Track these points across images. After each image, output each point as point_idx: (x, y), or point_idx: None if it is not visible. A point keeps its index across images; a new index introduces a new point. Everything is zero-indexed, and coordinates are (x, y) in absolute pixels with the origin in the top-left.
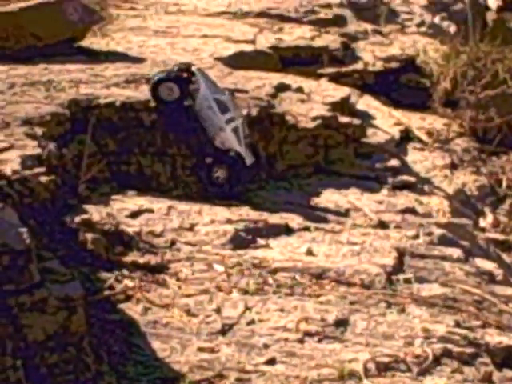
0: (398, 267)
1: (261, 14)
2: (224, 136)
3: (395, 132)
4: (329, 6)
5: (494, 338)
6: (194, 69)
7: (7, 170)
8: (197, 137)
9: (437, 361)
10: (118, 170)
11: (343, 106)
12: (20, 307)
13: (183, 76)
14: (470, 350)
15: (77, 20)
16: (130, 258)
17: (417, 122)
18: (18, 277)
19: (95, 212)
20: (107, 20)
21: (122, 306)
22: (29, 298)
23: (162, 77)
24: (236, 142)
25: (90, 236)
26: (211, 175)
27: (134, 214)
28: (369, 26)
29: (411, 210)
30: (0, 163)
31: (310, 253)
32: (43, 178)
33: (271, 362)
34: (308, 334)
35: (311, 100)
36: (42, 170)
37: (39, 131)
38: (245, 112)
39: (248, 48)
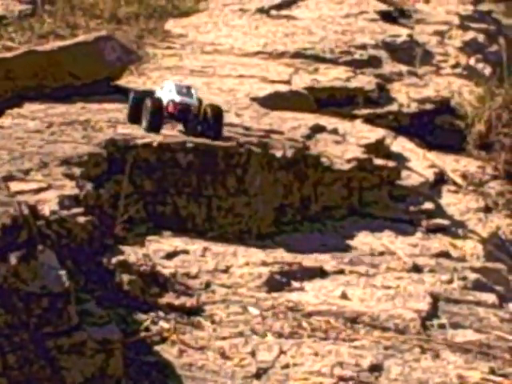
0: (433, 312)
1: (296, 55)
2: None
3: (429, 174)
4: (364, 46)
5: None
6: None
7: (45, 210)
8: None
9: None
10: (154, 210)
11: (378, 147)
12: (58, 349)
13: None
14: None
15: (115, 59)
16: (166, 299)
17: (451, 164)
18: (56, 319)
19: (131, 253)
20: (144, 59)
21: (157, 348)
22: (67, 340)
23: None
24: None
25: (126, 277)
26: None
27: (170, 255)
28: (404, 68)
29: (445, 254)
30: (38, 203)
31: (344, 296)
32: (81, 219)
33: None
34: (342, 378)
35: (346, 141)
36: (79, 210)
37: (77, 171)
38: (279, 154)
39: (283, 88)
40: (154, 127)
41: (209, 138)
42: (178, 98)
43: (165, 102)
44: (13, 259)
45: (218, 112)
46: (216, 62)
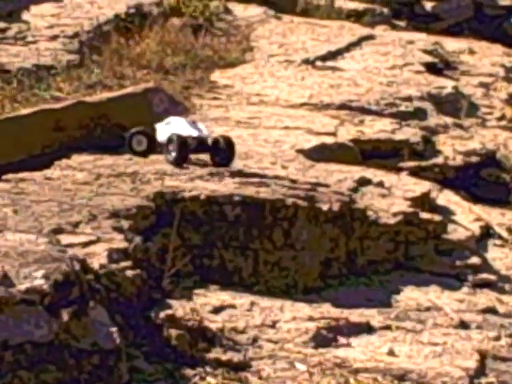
0: (481, 370)
1: (342, 106)
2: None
3: (475, 228)
4: (409, 98)
5: None
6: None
7: (95, 264)
8: None
9: None
10: (201, 263)
11: (424, 201)
12: None
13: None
14: None
15: (162, 111)
16: (213, 354)
17: (497, 217)
18: (107, 376)
19: (179, 307)
20: (190, 110)
21: None
22: None
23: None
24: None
25: (174, 332)
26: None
27: (217, 310)
28: (449, 120)
29: (492, 310)
30: (87, 256)
31: (391, 353)
32: (129, 273)
33: None
34: None
35: (392, 195)
36: (128, 264)
37: (125, 224)
38: (326, 207)
39: (329, 140)
40: (182, 161)
41: (221, 165)
42: (195, 133)
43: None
44: (65, 315)
45: (229, 140)
46: (262, 113)
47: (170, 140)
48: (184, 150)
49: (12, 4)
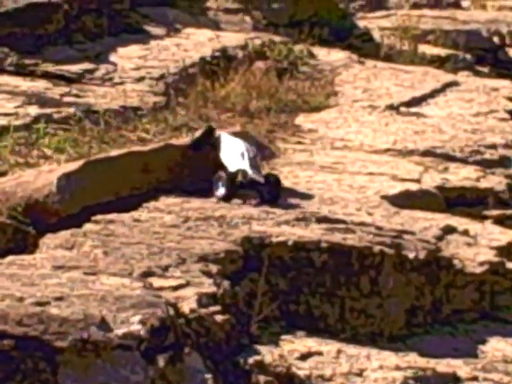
0: None
1: (426, 153)
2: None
3: None
4: (494, 146)
5: None
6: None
7: (185, 308)
8: None
9: None
10: (287, 309)
11: (510, 250)
12: None
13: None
14: None
15: None
16: None
17: None
18: None
19: (267, 353)
20: (275, 154)
21: None
22: None
23: None
24: (241, 162)
25: (262, 378)
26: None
27: (304, 357)
28: None
29: None
30: (177, 300)
31: None
32: (218, 317)
33: None
34: None
35: (477, 243)
36: (217, 308)
37: (214, 268)
38: (412, 255)
39: (413, 187)
40: (229, 197)
41: (269, 201)
42: (250, 172)
43: (233, 167)
44: (160, 361)
45: (276, 179)
46: (346, 159)
47: (219, 176)
48: (233, 188)
49: (100, 46)
